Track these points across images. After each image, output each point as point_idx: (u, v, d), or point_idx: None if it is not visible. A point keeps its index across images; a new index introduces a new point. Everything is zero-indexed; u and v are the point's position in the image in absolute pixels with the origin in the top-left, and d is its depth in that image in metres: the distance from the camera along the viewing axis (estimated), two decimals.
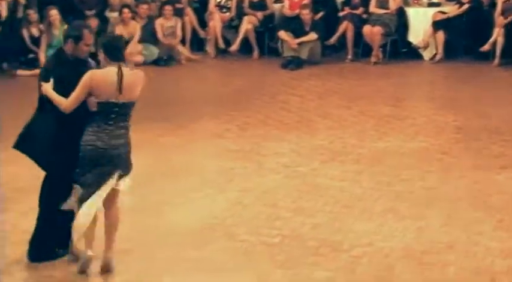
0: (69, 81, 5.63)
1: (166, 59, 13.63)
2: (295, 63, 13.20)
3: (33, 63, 12.89)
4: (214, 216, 6.83)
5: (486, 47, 13.23)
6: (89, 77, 5.61)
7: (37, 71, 12.60)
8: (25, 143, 5.92)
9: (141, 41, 13.69)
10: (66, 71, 5.75)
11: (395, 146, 8.86)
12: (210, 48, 14.30)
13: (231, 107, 10.63)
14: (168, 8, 13.94)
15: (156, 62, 13.58)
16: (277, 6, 14.42)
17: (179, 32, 13.97)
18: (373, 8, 13.73)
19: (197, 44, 14.55)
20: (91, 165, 5.60)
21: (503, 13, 13.19)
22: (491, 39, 13.17)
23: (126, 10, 13.69)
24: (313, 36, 13.41)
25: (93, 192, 5.57)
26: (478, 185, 7.60)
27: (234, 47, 14.05)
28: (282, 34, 13.55)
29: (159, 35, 13.82)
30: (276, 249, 6.20)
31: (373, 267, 5.88)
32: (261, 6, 14.24)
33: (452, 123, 9.82)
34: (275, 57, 13.74)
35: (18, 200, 7.21)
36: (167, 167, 8.21)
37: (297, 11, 13.76)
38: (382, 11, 13.60)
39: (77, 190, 5.66)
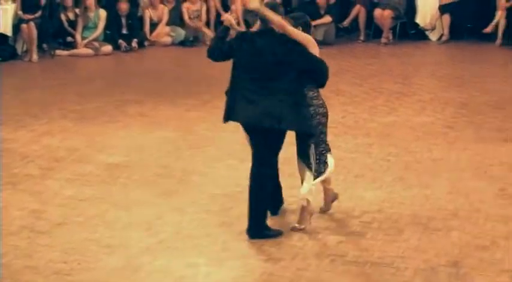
0: None
1: (192, 40, 13.60)
2: None
3: (70, 44, 12.91)
4: (236, 184, 6.84)
5: (489, 29, 13.12)
6: None
7: (74, 51, 12.73)
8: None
9: (169, 23, 13.67)
10: None
11: (404, 120, 8.82)
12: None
13: None
14: None
15: (183, 43, 13.56)
16: None
17: (204, 15, 13.94)
18: None
19: (221, 25, 14.46)
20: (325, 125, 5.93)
21: None
22: (494, 22, 13.05)
23: None
24: (327, 19, 13.33)
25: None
26: (480, 156, 7.55)
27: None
28: None
29: (186, 17, 13.79)
30: (294, 215, 6.19)
31: (382, 232, 5.87)
32: None
33: (456, 99, 9.75)
34: None
35: (57, 170, 7.26)
36: (194, 139, 8.22)
37: None
38: None
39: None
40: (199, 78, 11.14)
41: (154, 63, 12.58)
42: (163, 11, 13.67)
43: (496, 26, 13.03)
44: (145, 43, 13.49)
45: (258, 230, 5.75)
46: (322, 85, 5.89)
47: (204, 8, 13.97)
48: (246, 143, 8.03)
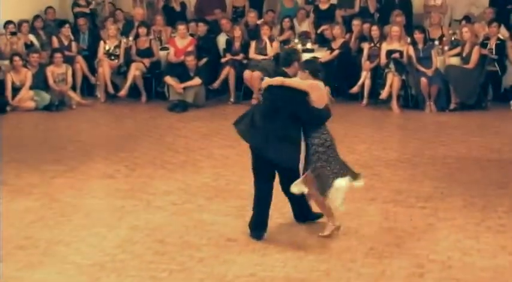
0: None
1: (57, 105, 13.37)
2: (181, 107, 13.19)
3: None
4: (105, 253, 6.70)
5: (355, 89, 13.60)
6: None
7: None
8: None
9: (33, 87, 13.41)
10: None
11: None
12: (100, 93, 14.14)
13: (120, 149, 10.50)
14: (58, 56, 13.73)
15: (48, 108, 13.31)
16: (163, 53, 14.41)
17: (70, 79, 13.78)
18: (252, 54, 13.93)
19: (88, 89, 14.36)
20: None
21: (369, 58, 13.63)
22: (360, 82, 13.55)
23: (16, 58, 13.41)
24: (197, 81, 13.46)
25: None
26: (350, 215, 7.72)
27: (123, 92, 13.93)
28: (168, 79, 13.54)
29: (50, 81, 13.57)
30: None
31: None
32: (148, 53, 14.21)
33: None
34: (162, 101, 13.69)
35: None
36: (59, 207, 8.01)
37: (181, 58, 13.80)
38: (260, 57, 13.80)
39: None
40: (66, 143, 10.93)
41: (17, 128, 12.25)
42: (27, 75, 13.41)
43: (362, 86, 13.55)
44: (7, 108, 13.15)
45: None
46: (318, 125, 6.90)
47: (70, 71, 13.82)
48: (114, 210, 7.95)
